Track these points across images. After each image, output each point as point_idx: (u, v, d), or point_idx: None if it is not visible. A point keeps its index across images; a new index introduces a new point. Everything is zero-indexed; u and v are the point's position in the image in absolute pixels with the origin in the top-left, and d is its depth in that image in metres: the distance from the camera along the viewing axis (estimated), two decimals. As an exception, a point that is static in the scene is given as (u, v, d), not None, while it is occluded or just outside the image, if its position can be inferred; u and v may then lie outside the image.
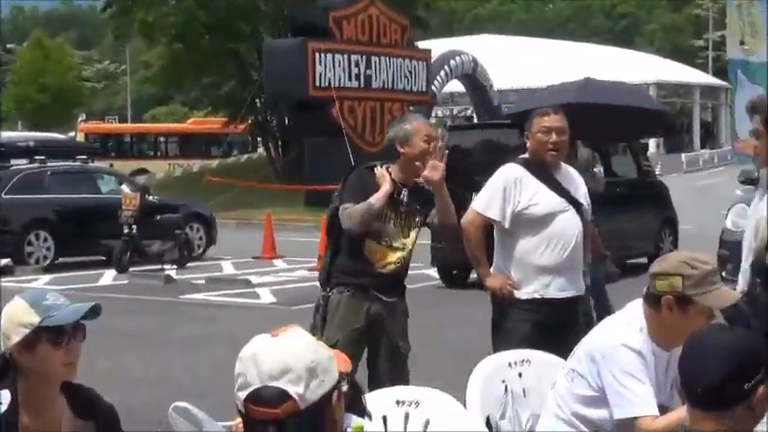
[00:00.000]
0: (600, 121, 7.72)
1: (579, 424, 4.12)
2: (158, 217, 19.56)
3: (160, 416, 3.95)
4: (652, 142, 50.23)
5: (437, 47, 38.72)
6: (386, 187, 5.86)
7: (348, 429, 2.94)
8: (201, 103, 51.20)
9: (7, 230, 18.79)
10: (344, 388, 2.49)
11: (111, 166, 32.82)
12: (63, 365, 3.14)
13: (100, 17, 54.11)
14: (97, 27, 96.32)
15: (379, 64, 30.92)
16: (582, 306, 6.30)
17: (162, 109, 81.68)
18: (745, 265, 5.64)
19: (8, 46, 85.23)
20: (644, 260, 15.49)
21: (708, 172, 51.44)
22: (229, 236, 22.97)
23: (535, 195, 6.08)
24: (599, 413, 4.05)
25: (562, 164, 6.28)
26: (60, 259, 19.36)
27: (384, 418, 4.28)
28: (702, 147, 62.39)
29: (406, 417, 4.38)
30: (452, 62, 36.10)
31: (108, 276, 17.96)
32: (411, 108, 31.50)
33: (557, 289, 6.11)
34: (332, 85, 29.12)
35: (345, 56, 29.89)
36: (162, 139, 56.74)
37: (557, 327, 5.96)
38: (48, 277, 17.77)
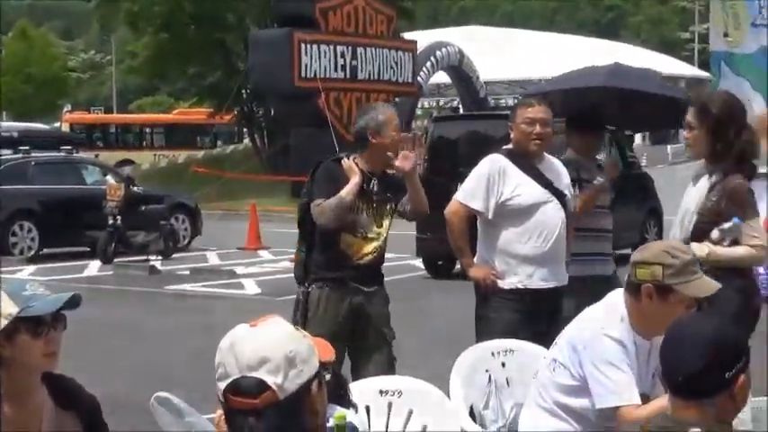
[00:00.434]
0: (627, 108, 7.69)
1: (561, 413, 4.13)
2: (143, 208, 19.53)
3: (143, 405, 3.94)
4: (638, 134, 50.30)
5: (423, 38, 38.67)
6: (355, 179, 5.85)
7: (331, 419, 2.93)
8: (187, 93, 50.98)
9: (-8, 221, 18.75)
10: (327, 377, 2.48)
11: (97, 156, 32.69)
12: (43, 356, 3.12)
13: (85, 7, 53.88)
14: (82, 17, 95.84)
15: (365, 55, 30.87)
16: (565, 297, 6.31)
17: (148, 99, 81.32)
18: None
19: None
20: (629, 251, 15.49)
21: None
22: (214, 227, 22.93)
23: (518, 186, 6.08)
24: (581, 402, 4.06)
25: (546, 155, 6.29)
26: (45, 250, 19.31)
27: (367, 408, 4.28)
28: (688, 138, 62.40)
29: (390, 406, 4.39)
30: (438, 53, 36.06)
31: (93, 267, 17.92)
32: (397, 99, 31.50)
33: (539, 279, 6.12)
34: (318, 76, 29.06)
35: (331, 47, 29.83)
36: (147, 129, 56.52)
37: (539, 317, 5.97)
38: (32, 268, 17.72)
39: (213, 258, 19.69)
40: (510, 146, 6.25)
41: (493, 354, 4.93)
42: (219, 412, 2.50)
